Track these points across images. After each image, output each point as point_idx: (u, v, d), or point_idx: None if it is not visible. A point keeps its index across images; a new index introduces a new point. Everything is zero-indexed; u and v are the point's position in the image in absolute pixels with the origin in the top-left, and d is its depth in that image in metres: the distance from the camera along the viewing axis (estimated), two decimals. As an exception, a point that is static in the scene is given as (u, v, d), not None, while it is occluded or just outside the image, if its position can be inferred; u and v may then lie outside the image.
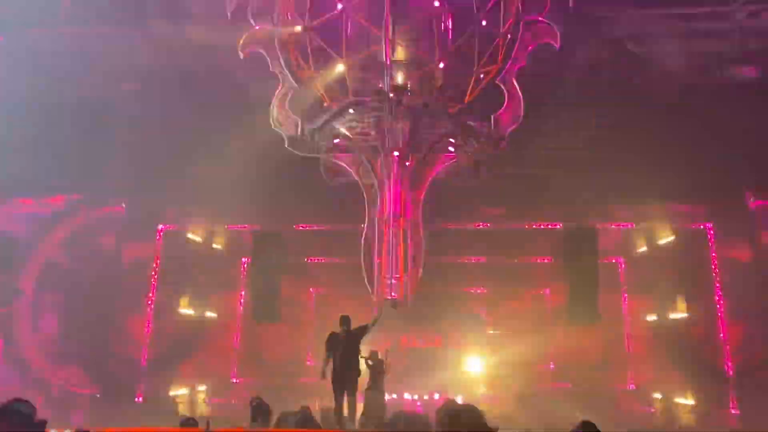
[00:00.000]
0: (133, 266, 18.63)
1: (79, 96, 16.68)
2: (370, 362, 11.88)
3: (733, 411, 16.26)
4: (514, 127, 13.04)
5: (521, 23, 12.71)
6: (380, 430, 7.49)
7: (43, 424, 6.04)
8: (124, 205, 18.25)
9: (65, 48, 16.85)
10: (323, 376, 10.08)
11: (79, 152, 16.35)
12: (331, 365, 10.42)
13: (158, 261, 18.65)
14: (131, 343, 18.14)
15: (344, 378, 10.15)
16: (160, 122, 16.40)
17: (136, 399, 17.40)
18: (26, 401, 6.22)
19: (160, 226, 18.83)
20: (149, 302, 18.38)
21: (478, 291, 19.28)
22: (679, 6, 15.56)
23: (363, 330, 10.61)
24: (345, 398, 10.19)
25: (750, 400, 15.96)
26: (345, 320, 10.60)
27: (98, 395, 17.13)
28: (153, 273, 18.56)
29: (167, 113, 16.46)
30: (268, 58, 13.40)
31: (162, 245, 18.80)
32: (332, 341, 10.35)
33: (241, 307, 19.04)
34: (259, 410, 8.83)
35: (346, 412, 10.26)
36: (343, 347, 10.22)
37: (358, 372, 10.51)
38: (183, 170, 16.47)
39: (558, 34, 12.74)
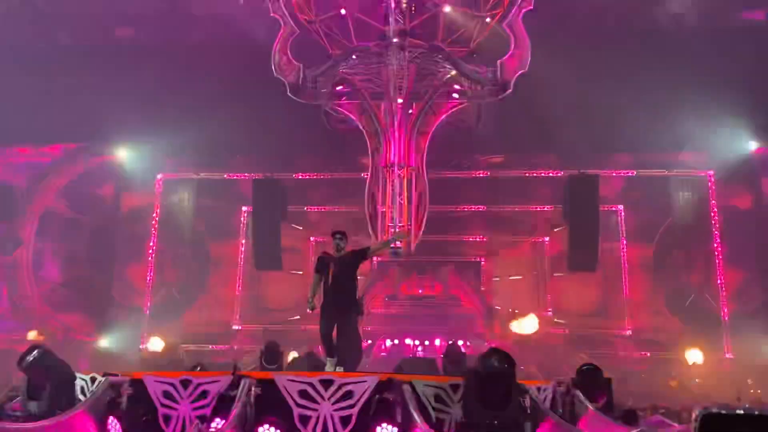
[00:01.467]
0: (132, 214, 18.58)
1: (78, 42, 16.33)
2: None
3: (727, 355, 16.63)
4: (520, 72, 12.83)
5: (529, -36, 12.38)
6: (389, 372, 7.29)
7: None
8: (123, 154, 18.04)
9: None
10: (312, 307, 8.14)
11: (78, 100, 16.10)
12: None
13: (158, 210, 18.60)
14: (133, 291, 18.23)
15: (336, 306, 7.91)
16: (158, 69, 16.07)
17: (141, 346, 17.59)
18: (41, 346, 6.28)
19: (159, 175, 18.69)
20: (150, 250, 18.41)
21: (478, 239, 19.34)
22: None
23: (362, 253, 8.30)
24: (334, 332, 7.92)
25: (744, 344, 16.33)
26: (339, 236, 8.14)
27: (102, 342, 17.31)
28: (153, 222, 18.53)
29: (165, 60, 16.14)
30: (270, 2, 13.05)
31: (161, 194, 18.70)
32: (322, 262, 8.13)
33: (242, 255, 19.07)
34: (272, 354, 8.97)
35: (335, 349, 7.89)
36: (335, 268, 7.98)
37: (356, 304, 8.25)
38: (182, 118, 16.25)
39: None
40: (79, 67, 16.35)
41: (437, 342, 16.94)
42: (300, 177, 18.63)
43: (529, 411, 5.60)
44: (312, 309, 8.11)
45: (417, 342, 17.25)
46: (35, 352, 5.98)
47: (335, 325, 7.86)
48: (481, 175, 18.62)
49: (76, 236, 17.74)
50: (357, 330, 8.75)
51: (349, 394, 5.49)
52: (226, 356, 17.63)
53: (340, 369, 7.37)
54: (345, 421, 5.42)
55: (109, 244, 17.83)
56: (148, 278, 18.31)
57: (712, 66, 15.32)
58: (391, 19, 12.30)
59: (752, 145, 16.92)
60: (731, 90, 15.27)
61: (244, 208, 19.00)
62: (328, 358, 7.68)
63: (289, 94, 14.09)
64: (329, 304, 7.91)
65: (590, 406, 6.01)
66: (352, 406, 5.44)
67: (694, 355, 16.38)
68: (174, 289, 18.55)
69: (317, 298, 8.12)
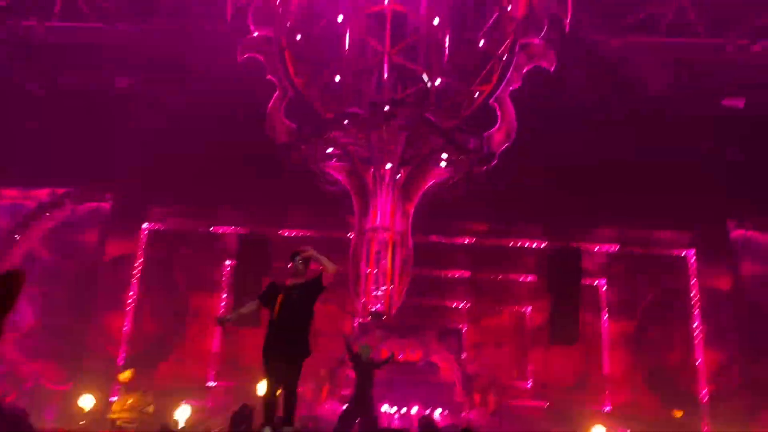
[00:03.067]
0: (114, 263, 18.47)
1: (71, 88, 16.62)
2: (362, 358, 10.58)
3: (705, 437, 16.49)
4: (505, 146, 13.17)
5: (517, 45, 12.85)
6: None
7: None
8: (110, 202, 18.09)
9: (57, 39, 16.80)
10: (221, 323, 6.96)
11: (68, 145, 16.29)
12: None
13: (141, 259, 18.53)
14: (109, 341, 17.94)
15: (285, 352, 6.39)
16: (152, 119, 16.35)
17: (110, 398, 17.18)
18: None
19: (144, 225, 18.71)
20: (129, 300, 18.22)
21: (461, 306, 19.31)
22: (672, 35, 15.86)
23: (319, 281, 6.77)
24: (278, 384, 6.56)
25: (723, 426, 16.21)
26: (301, 260, 6.81)
27: (72, 391, 16.90)
28: (135, 271, 18.42)
29: (160, 110, 16.43)
30: (266, 65, 13.42)
31: (145, 244, 18.67)
32: (271, 290, 6.74)
33: (223, 311, 18.90)
34: (242, 416, 8.84)
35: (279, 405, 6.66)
36: (287, 299, 6.52)
37: (307, 349, 6.61)
38: (172, 169, 16.44)
39: (553, 57, 12.92)
40: (72, 112, 16.61)
41: (414, 410, 16.67)
42: (286, 234, 18.69)
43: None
44: (222, 324, 6.80)
45: (394, 409, 16.96)
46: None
47: (282, 381, 6.48)
48: (467, 241, 18.78)
49: (56, 282, 17.58)
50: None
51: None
52: (198, 414, 17.27)
53: None
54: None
55: (88, 291, 17.66)
56: (124, 328, 18.06)
57: (695, 148, 15.81)
58: (383, 88, 12.65)
59: (731, 227, 17.24)
60: (713, 172, 15.74)
61: (227, 262, 18.97)
62: (266, 427, 6.40)
63: (281, 154, 14.32)
64: (276, 350, 6.42)
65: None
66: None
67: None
68: (150, 341, 18.28)
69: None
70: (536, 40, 12.91)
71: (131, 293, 18.25)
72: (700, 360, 17.22)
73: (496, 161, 13.52)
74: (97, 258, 18.07)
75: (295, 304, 6.60)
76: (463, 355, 18.64)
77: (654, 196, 15.85)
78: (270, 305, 6.66)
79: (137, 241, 18.60)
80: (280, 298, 6.62)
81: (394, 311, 14.58)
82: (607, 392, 17.97)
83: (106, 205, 18.16)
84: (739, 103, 16.14)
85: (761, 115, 16.22)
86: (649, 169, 15.53)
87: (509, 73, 12.85)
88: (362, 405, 10.39)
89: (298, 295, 6.64)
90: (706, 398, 16.92)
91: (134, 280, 18.38)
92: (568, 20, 12.55)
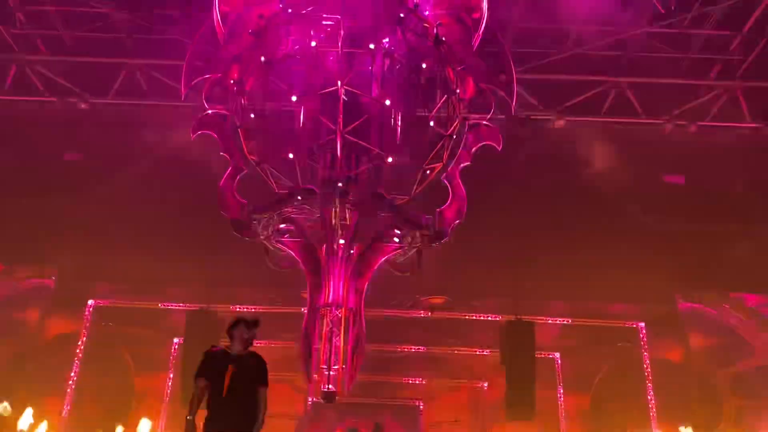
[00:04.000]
0: (57, 342, 17.68)
1: (10, 163, 16.31)
2: None
3: None
4: (457, 222, 13.31)
5: (466, 125, 13.21)
6: None
7: None
8: (53, 279, 17.45)
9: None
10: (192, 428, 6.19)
11: (7, 221, 15.81)
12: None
13: (84, 338, 17.77)
14: (48, 427, 16.92)
15: (237, 423, 6.07)
16: (97, 194, 16.04)
17: (45, 486, 16.10)
18: None
19: (90, 301, 18.06)
20: (70, 382, 17.34)
21: (417, 381, 19.03)
22: (615, 116, 16.60)
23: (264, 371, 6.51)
24: None
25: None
26: (247, 327, 6.52)
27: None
28: (78, 351, 17.62)
29: (105, 185, 16.16)
30: (219, 141, 13.42)
31: (90, 321, 17.97)
32: (214, 362, 6.33)
33: (169, 390, 18.14)
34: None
35: None
36: (236, 372, 6.19)
37: (260, 419, 6.30)
38: (118, 245, 16.04)
39: (500, 136, 13.29)
40: (10, 188, 16.21)
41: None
42: (237, 309, 18.26)
43: None
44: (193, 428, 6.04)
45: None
46: None
47: None
48: (422, 315, 18.69)
49: (-8, 364, 16.69)
50: None
51: None
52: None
53: None
54: None
55: (26, 373, 16.76)
56: (64, 412, 17.10)
57: (643, 223, 16.29)
58: (336, 166, 12.73)
59: (678, 301, 17.62)
60: (661, 246, 16.19)
61: (175, 340, 18.36)
62: None
63: (233, 230, 14.13)
64: (229, 426, 6.03)
65: None
66: None
67: None
68: (92, 425, 17.33)
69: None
70: (484, 121, 13.28)
71: (72, 374, 17.39)
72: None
73: (447, 238, 13.59)
74: (37, 337, 17.23)
75: (248, 378, 6.24)
76: (420, 434, 18.25)
77: (604, 270, 16.14)
78: (214, 380, 6.20)
79: (81, 318, 17.89)
80: (230, 368, 6.21)
81: (347, 390, 14.22)
82: (565, 469, 17.73)
83: (49, 282, 17.47)
84: (680, 180, 16.82)
85: (702, 191, 16.91)
86: (598, 243, 15.87)
87: (459, 152, 13.11)
88: None
89: (250, 369, 6.28)
90: (662, 473, 16.80)
91: (76, 360, 17.55)
92: (513, 103, 12.99)
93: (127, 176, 15.79)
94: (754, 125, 16.58)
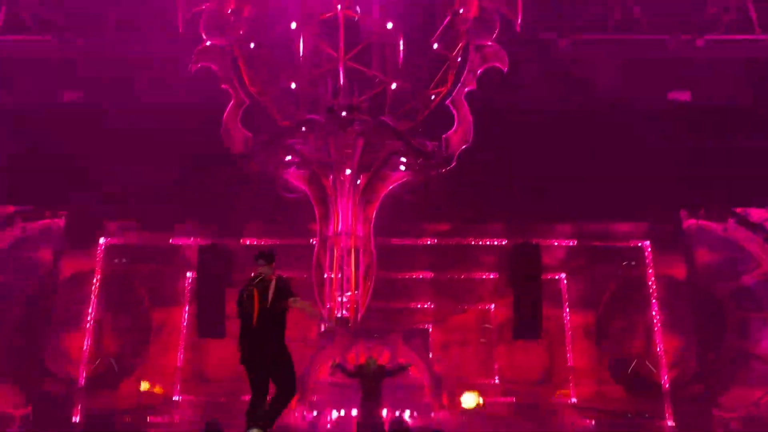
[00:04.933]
0: (71, 281, 18.01)
1: (21, 102, 16.23)
2: (369, 369, 10.08)
3: (669, 423, 16.89)
4: (463, 147, 13.31)
5: (471, 46, 13.01)
6: None
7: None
8: (63, 218, 17.62)
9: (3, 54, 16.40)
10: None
11: (17, 162, 15.87)
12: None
13: (99, 275, 18.12)
14: (68, 361, 17.50)
15: (261, 358, 6.49)
16: (104, 131, 15.99)
17: (73, 419, 16.77)
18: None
19: (101, 240, 18.30)
20: (88, 318, 17.80)
21: (426, 306, 19.42)
22: (620, 33, 16.26)
23: (287, 291, 6.73)
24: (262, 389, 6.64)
25: (684, 411, 16.68)
26: (264, 260, 6.74)
27: (30, 416, 16.41)
28: (93, 288, 17.99)
29: (112, 122, 16.08)
30: (220, 74, 13.29)
31: (103, 259, 18.27)
32: (240, 300, 6.62)
33: (185, 323, 18.61)
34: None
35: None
36: (259, 304, 6.47)
37: (282, 352, 6.62)
38: (127, 182, 16.12)
39: (506, 57, 13.11)
40: (20, 128, 16.19)
41: (384, 413, 16.67)
42: (248, 243, 18.50)
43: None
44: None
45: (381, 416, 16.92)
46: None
47: (264, 388, 6.48)
48: (429, 242, 18.90)
49: (9, 303, 17.05)
50: (291, 370, 6.90)
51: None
52: (165, 428, 17.00)
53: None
54: None
55: (44, 311, 17.18)
56: (84, 347, 17.62)
57: (645, 141, 16.22)
58: (339, 93, 12.65)
59: (684, 217, 17.73)
60: (664, 164, 16.17)
61: (188, 274, 18.69)
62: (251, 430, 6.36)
63: (238, 163, 14.19)
64: (251, 357, 6.48)
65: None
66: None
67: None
68: (112, 359, 17.89)
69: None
70: (489, 42, 13.06)
71: (90, 311, 17.82)
72: (660, 348, 17.64)
73: (454, 163, 13.63)
74: (53, 276, 17.55)
75: (272, 309, 6.54)
76: (431, 356, 18.75)
77: (609, 190, 16.19)
78: (247, 311, 6.56)
79: (94, 256, 18.17)
80: (256, 303, 6.52)
81: (359, 316, 14.60)
82: (572, 384, 18.30)
83: (59, 222, 17.65)
84: (685, 96, 16.64)
85: (707, 107, 16.76)
86: (603, 163, 15.86)
87: (464, 75, 12.98)
88: (372, 416, 10.28)
89: (272, 300, 6.55)
90: (668, 385, 17.34)
91: (93, 297, 17.94)
92: (518, 21, 12.74)
93: (131, 113, 15.66)
94: (765, 37, 16.19)
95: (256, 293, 6.65)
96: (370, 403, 10.36)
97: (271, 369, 6.70)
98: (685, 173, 16.35)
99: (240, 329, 6.70)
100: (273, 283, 6.70)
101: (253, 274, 6.96)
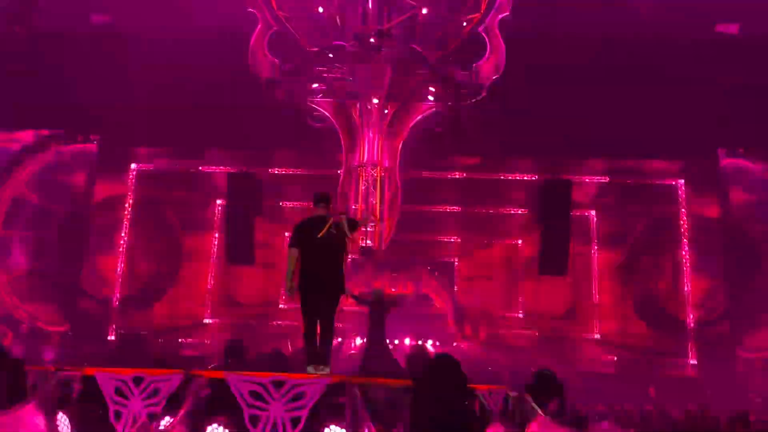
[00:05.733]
0: (105, 205, 18.41)
1: (54, 27, 16.19)
2: (375, 300, 10.32)
3: (691, 361, 16.92)
4: (495, 77, 12.93)
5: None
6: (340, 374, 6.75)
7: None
8: (95, 143, 17.86)
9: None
10: (291, 291, 6.63)
11: (52, 86, 15.98)
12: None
13: (131, 200, 18.48)
14: (103, 282, 18.10)
15: (322, 292, 6.56)
16: (136, 58, 15.91)
17: (108, 337, 17.48)
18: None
19: (133, 165, 18.56)
20: (122, 241, 18.27)
21: (452, 240, 19.44)
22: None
23: (353, 223, 6.88)
24: (317, 323, 6.67)
25: (707, 351, 16.65)
26: (325, 202, 6.78)
27: (69, 333, 17.13)
28: (126, 212, 18.40)
29: (143, 49, 15.97)
30: (247, -3, 13.01)
31: (135, 184, 18.59)
32: (302, 233, 6.59)
33: (215, 249, 19.00)
34: (234, 350, 8.97)
35: (317, 344, 6.70)
36: (321, 241, 6.46)
37: (340, 285, 6.71)
38: (159, 109, 16.14)
39: (543, -18, 12.52)
40: (54, 53, 16.22)
41: (407, 341, 17.01)
42: (276, 172, 18.59)
43: (478, 415, 5.67)
44: (291, 294, 6.66)
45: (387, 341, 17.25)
46: None
47: (319, 320, 6.55)
48: (457, 176, 18.72)
49: (46, 225, 17.56)
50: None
51: (300, 396, 5.51)
52: (196, 350, 17.62)
53: (324, 370, 6.60)
54: (294, 422, 5.44)
55: (79, 234, 17.66)
56: (118, 269, 18.18)
57: (686, 75, 15.57)
58: (367, 19, 12.31)
59: (721, 156, 17.20)
60: (703, 101, 15.55)
61: (218, 202, 18.95)
62: (310, 366, 6.56)
63: (266, 89, 14.06)
64: (313, 290, 6.49)
65: (540, 411, 6.10)
66: (302, 408, 5.46)
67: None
68: (145, 281, 18.45)
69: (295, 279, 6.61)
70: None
71: (123, 234, 18.27)
72: (687, 287, 17.49)
73: (484, 94, 13.29)
74: (87, 200, 17.96)
75: (333, 246, 6.64)
76: (455, 288, 18.91)
77: (644, 126, 15.70)
78: (303, 248, 6.61)
79: (126, 182, 18.50)
80: (314, 241, 6.58)
81: (384, 246, 14.69)
82: (596, 321, 18.34)
83: (92, 147, 17.91)
84: (733, 29, 15.82)
85: (754, 42, 15.93)
86: (639, 98, 15.32)
87: (497, 1, 12.48)
88: (377, 343, 10.51)
89: (334, 236, 6.62)
90: (693, 324, 17.27)
91: (126, 222, 18.37)
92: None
93: (160, 39, 15.51)
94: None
95: (332, 225, 6.68)
96: (374, 331, 10.54)
97: (331, 298, 6.79)
98: (725, 110, 15.72)
99: (305, 258, 6.66)
100: (344, 221, 6.79)
101: (312, 215, 6.89)
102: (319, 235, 6.54)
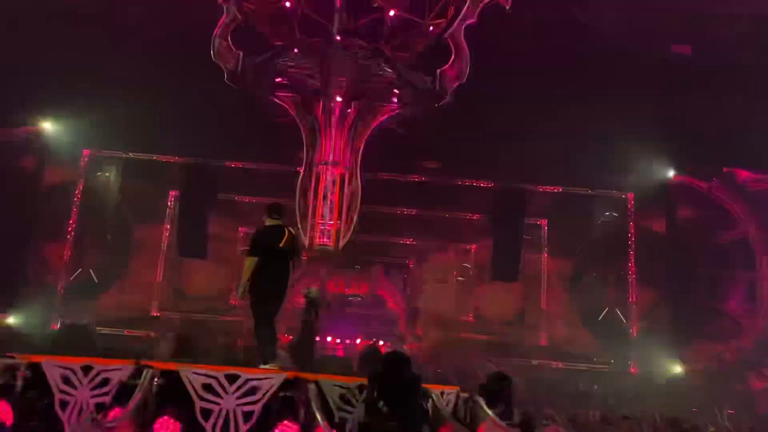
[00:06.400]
0: (54, 190, 17.87)
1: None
2: (311, 295, 10.46)
3: (632, 370, 17.45)
4: (458, 83, 13.09)
5: (474, -22, 12.63)
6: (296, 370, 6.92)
7: None
8: (49, 126, 17.28)
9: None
10: (243, 294, 7.09)
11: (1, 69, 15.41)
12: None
13: (82, 187, 17.98)
14: (49, 270, 17.56)
15: (275, 297, 7.13)
16: (92, 41, 15.48)
17: (52, 327, 16.96)
18: None
19: (85, 151, 18.06)
20: (70, 229, 17.76)
21: (408, 242, 19.56)
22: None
23: (298, 244, 7.56)
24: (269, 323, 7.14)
25: (652, 360, 17.22)
26: (277, 214, 7.30)
27: (10, 320, 16.56)
28: (75, 199, 17.89)
29: (100, 32, 15.58)
30: (214, -13, 12.84)
31: (87, 171, 18.09)
32: (261, 242, 7.12)
33: (165, 241, 18.63)
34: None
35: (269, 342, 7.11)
36: (276, 251, 7.04)
37: (285, 290, 7.31)
38: (114, 94, 15.74)
39: (510, -8, 12.73)
40: (3, 35, 15.64)
41: (358, 341, 17.05)
42: (233, 165, 18.35)
43: (429, 415, 5.75)
44: (243, 297, 7.11)
45: (338, 341, 17.29)
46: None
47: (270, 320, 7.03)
48: (416, 179, 18.85)
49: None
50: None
51: (253, 390, 5.49)
52: (141, 342, 17.23)
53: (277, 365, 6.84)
54: (247, 416, 5.42)
55: (26, 219, 17.09)
56: (65, 257, 17.66)
57: (643, 93, 16.04)
58: (335, 17, 12.31)
59: (671, 173, 17.80)
60: (655, 120, 16.05)
61: (172, 192, 18.60)
62: (263, 365, 6.72)
63: (227, 81, 13.87)
64: (268, 294, 7.01)
65: (490, 413, 6.22)
66: (255, 402, 5.44)
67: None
68: (92, 270, 17.97)
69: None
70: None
71: (71, 222, 17.77)
72: (632, 298, 18.03)
73: (447, 100, 13.43)
74: (36, 185, 17.39)
75: (284, 256, 7.31)
76: (408, 290, 19.03)
77: (598, 139, 16.11)
78: (261, 256, 7.18)
79: (78, 167, 18.00)
80: (270, 250, 7.20)
81: (341, 246, 14.68)
82: (544, 328, 18.72)
83: (44, 130, 17.32)
84: (686, 49, 16.38)
85: (707, 64, 16.50)
86: (595, 112, 15.70)
87: (465, 8, 12.62)
88: (304, 342, 10.50)
89: (286, 247, 7.28)
90: (636, 334, 17.82)
91: (74, 209, 17.86)
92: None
93: (124, 25, 15.16)
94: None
95: (288, 236, 7.34)
96: (304, 328, 10.49)
97: (281, 301, 7.39)
98: (676, 129, 16.27)
99: (261, 265, 7.15)
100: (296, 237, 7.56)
101: (268, 224, 7.44)
102: (280, 246, 7.17)
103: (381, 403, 5.10)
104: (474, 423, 6.28)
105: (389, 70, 13.37)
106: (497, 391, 6.77)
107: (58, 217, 17.70)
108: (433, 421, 5.74)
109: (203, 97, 15.30)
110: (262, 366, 6.75)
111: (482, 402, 6.34)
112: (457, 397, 6.52)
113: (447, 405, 6.27)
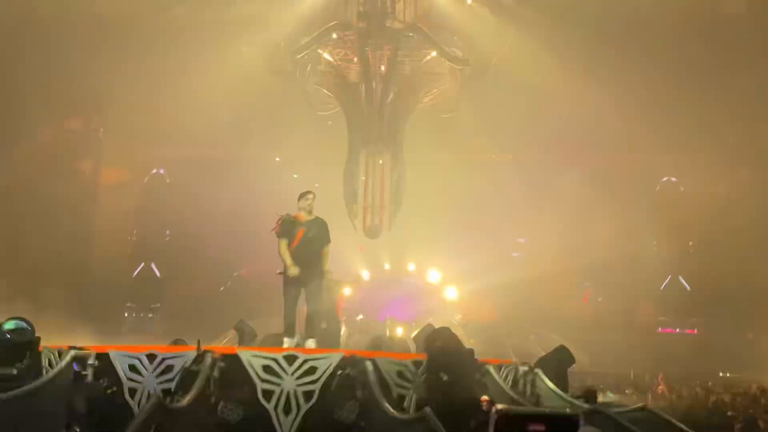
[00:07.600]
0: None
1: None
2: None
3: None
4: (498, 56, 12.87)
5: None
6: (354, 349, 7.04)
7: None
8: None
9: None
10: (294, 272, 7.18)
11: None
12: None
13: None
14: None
15: (303, 277, 7.22)
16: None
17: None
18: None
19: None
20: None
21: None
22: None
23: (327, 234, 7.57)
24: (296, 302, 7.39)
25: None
26: (311, 196, 7.43)
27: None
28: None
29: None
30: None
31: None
32: (287, 226, 7.31)
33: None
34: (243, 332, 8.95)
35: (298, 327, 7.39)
36: (305, 232, 7.24)
37: (323, 274, 7.54)
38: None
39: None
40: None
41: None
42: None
43: (488, 389, 5.73)
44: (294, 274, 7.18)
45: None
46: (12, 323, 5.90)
47: (298, 300, 7.27)
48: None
49: None
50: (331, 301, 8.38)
51: (312, 370, 5.56)
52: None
53: (311, 343, 7.04)
54: (308, 396, 5.49)
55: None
56: None
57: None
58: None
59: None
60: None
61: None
62: (286, 338, 7.07)
63: (270, 71, 14.01)
64: (293, 276, 7.14)
65: (550, 385, 6.16)
66: (315, 382, 5.51)
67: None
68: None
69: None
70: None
71: None
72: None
73: (490, 74, 13.24)
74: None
75: (315, 237, 7.43)
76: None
77: None
78: (289, 239, 7.37)
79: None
80: (298, 232, 7.36)
81: (388, 228, 14.68)
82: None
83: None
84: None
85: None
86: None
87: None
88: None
89: (316, 229, 7.44)
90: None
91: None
92: None
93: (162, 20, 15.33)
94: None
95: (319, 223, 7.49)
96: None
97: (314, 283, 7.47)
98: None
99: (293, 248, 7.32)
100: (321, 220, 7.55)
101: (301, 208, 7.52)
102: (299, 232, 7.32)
103: (443, 374, 5.13)
104: (534, 396, 6.23)
105: (429, 49, 13.21)
106: (556, 363, 6.72)
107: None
108: (492, 395, 5.71)
109: (246, 91, 15.32)
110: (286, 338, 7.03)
111: (542, 374, 6.29)
112: (516, 370, 6.47)
113: (506, 379, 6.22)
